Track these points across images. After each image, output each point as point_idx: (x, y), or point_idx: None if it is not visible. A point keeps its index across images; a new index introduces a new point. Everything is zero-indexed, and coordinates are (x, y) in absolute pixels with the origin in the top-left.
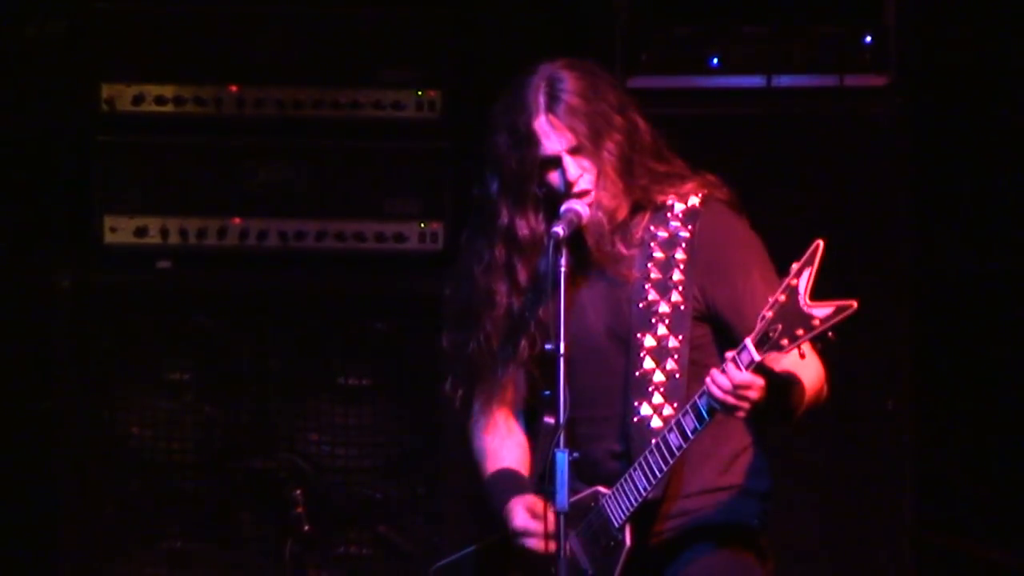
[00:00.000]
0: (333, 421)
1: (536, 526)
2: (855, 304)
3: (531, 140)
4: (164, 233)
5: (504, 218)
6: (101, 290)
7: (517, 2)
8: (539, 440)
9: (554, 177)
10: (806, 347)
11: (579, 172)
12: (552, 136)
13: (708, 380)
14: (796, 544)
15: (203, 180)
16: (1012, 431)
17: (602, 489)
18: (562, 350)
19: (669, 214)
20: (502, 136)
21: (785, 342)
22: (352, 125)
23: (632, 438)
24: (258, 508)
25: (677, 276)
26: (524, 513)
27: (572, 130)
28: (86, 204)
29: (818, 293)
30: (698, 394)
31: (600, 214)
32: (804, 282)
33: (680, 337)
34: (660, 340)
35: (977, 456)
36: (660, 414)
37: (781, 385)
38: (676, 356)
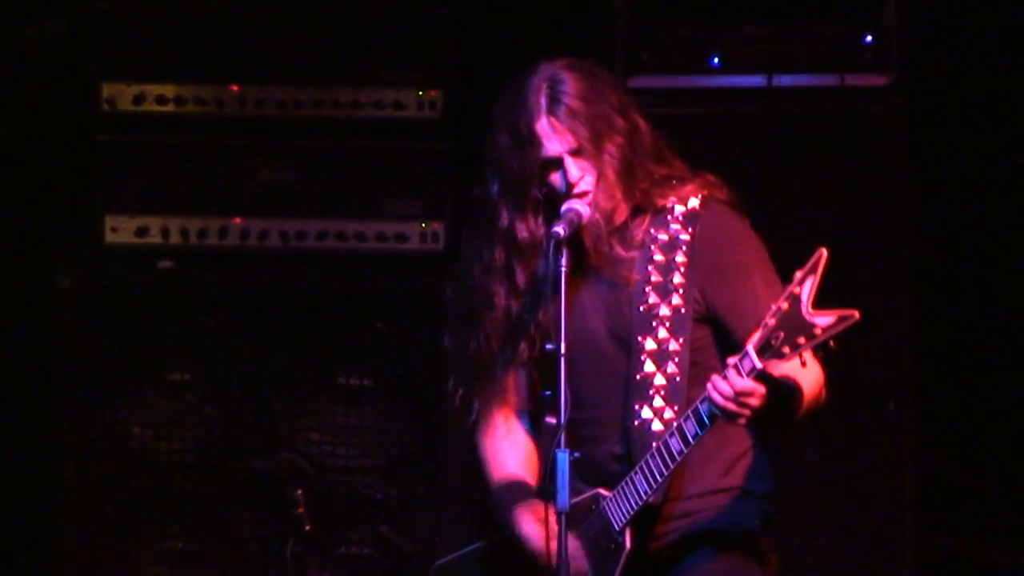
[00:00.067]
0: (334, 421)
1: (542, 536)
2: (857, 314)
3: (532, 142)
4: (165, 233)
5: (504, 220)
6: (102, 290)
7: (518, 2)
8: (541, 440)
9: (555, 178)
10: (807, 354)
11: (580, 174)
12: (553, 138)
13: (709, 386)
14: (797, 544)
15: (204, 180)
16: (1013, 431)
17: (603, 492)
18: (563, 350)
19: (669, 216)
20: (503, 137)
21: (787, 350)
22: (353, 125)
23: (633, 441)
24: (259, 508)
25: (678, 279)
26: (531, 523)
27: (573, 132)
28: (87, 204)
29: (819, 292)
30: (699, 399)
31: (598, 216)
32: (807, 290)
33: (681, 340)
34: (661, 343)
35: (978, 456)
36: (661, 417)
37: (781, 392)
38: (677, 359)
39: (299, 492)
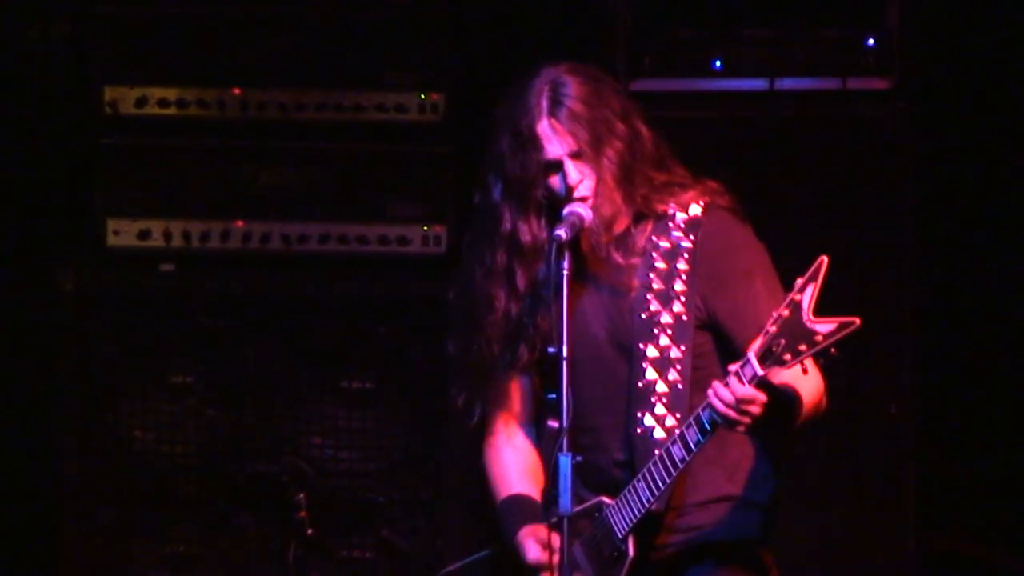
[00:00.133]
0: (336, 424)
1: (544, 558)
2: (858, 321)
3: (534, 143)
4: (167, 236)
5: (507, 223)
6: (104, 293)
7: (520, 5)
8: (544, 445)
9: (555, 181)
10: (808, 361)
11: (579, 177)
12: (554, 140)
13: (711, 393)
14: (800, 547)
15: (206, 183)
16: (1015, 433)
17: (606, 499)
18: (565, 353)
19: (671, 223)
20: (505, 140)
21: (788, 357)
22: (355, 128)
23: (635, 448)
24: (261, 511)
25: (679, 286)
26: (536, 547)
27: (573, 135)
28: (89, 207)
29: (821, 296)
30: (701, 407)
31: (598, 220)
32: (808, 297)
33: (683, 347)
34: (663, 350)
35: (980, 458)
36: (663, 425)
37: (781, 400)
38: (679, 367)
39: (301, 495)
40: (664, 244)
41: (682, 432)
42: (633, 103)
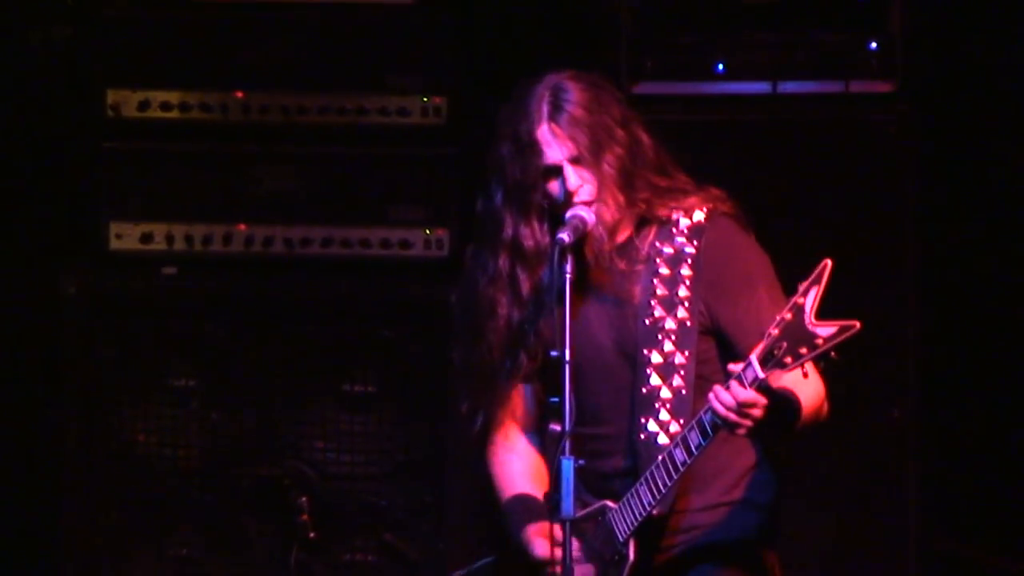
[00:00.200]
0: (338, 428)
1: (554, 555)
2: (858, 324)
3: (533, 148)
4: (169, 239)
5: (508, 228)
6: (106, 296)
7: (522, 7)
8: (547, 449)
9: (555, 187)
10: (809, 365)
11: (579, 182)
12: (554, 145)
13: (712, 396)
14: (802, 551)
15: (208, 186)
16: (1018, 438)
17: (609, 503)
18: (567, 356)
19: (674, 230)
20: (506, 145)
21: (789, 360)
22: (357, 131)
23: (639, 454)
24: (263, 515)
25: (683, 292)
26: (543, 543)
27: (573, 140)
28: (91, 210)
29: (824, 299)
30: (703, 410)
31: (600, 226)
32: (810, 301)
33: (686, 353)
34: (667, 357)
35: (983, 463)
36: (667, 431)
37: (780, 404)
38: (683, 372)
39: (303, 499)
40: (667, 250)
41: (684, 435)
42: (634, 112)
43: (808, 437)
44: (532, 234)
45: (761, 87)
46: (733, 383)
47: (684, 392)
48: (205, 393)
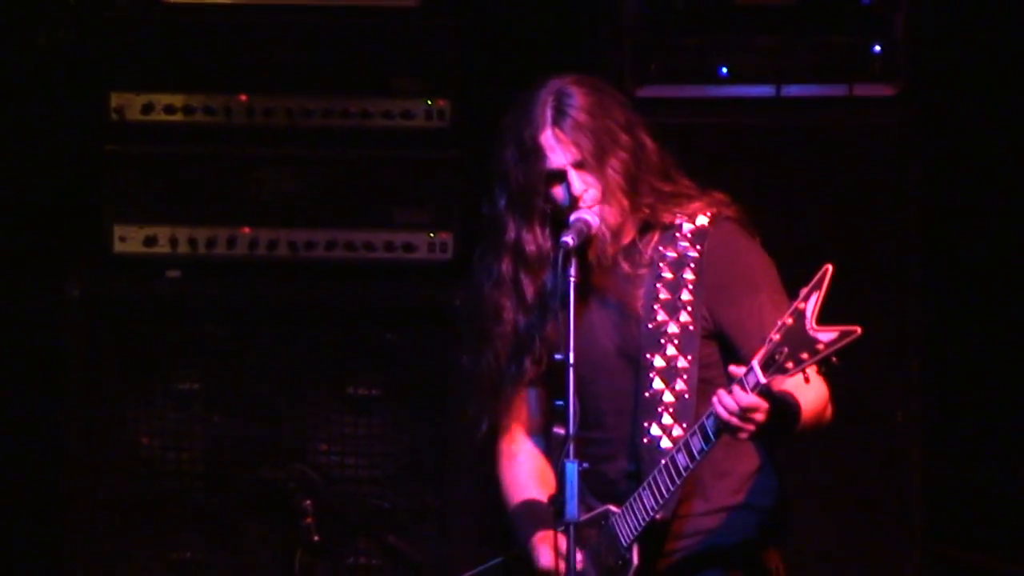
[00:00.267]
0: (342, 431)
1: (559, 566)
2: (859, 330)
3: (537, 153)
4: (173, 242)
5: (511, 233)
6: (110, 299)
7: (526, 11)
8: (552, 453)
9: (559, 191)
10: (810, 370)
11: (583, 187)
12: (557, 150)
13: (715, 401)
14: (806, 556)
15: (213, 189)
16: (1022, 443)
17: (612, 508)
18: (571, 359)
19: (678, 234)
20: (510, 150)
21: (790, 365)
22: (361, 134)
23: (642, 459)
24: (267, 518)
25: (686, 296)
26: (548, 552)
27: (577, 145)
28: (95, 213)
29: (827, 304)
30: (705, 415)
31: (604, 229)
32: (811, 306)
33: (689, 357)
34: (669, 360)
35: (987, 468)
36: (669, 435)
37: (780, 407)
38: (686, 376)
39: (307, 502)
40: (671, 254)
41: (686, 440)
42: (638, 116)
43: (812, 441)
44: (535, 239)
45: (765, 90)
46: (735, 388)
47: (687, 396)
48: (209, 396)
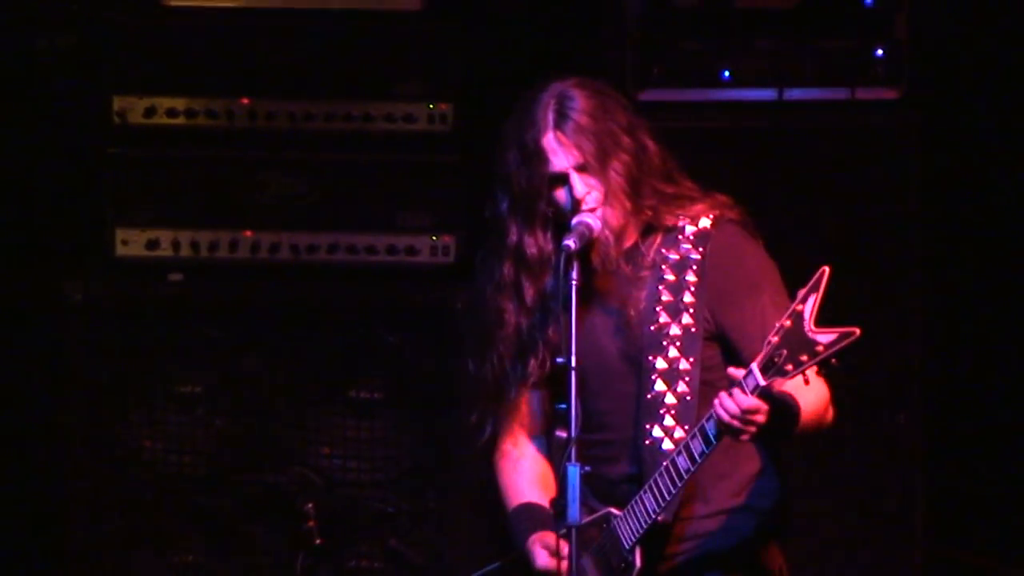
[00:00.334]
0: (344, 434)
1: (556, 566)
2: (858, 331)
3: (539, 156)
4: (176, 246)
5: (513, 236)
6: (113, 303)
7: (528, 15)
8: (554, 455)
9: (561, 195)
10: (810, 372)
11: (586, 189)
12: (560, 153)
13: (716, 403)
14: (807, 557)
15: (215, 192)
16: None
17: (614, 511)
18: (573, 363)
19: (680, 236)
20: (512, 153)
21: (790, 367)
22: (364, 138)
23: (644, 461)
24: (269, 521)
25: (688, 298)
26: (544, 554)
27: (579, 148)
28: (97, 217)
29: (830, 307)
30: (705, 418)
31: (607, 232)
32: (809, 308)
33: (691, 359)
34: (671, 362)
35: (989, 470)
36: (671, 437)
37: (780, 409)
38: (687, 378)
39: (310, 505)
40: (673, 256)
41: (687, 443)
42: (640, 117)
43: (814, 443)
44: (536, 242)
45: (767, 94)
46: (735, 390)
47: (689, 398)
48: (211, 399)
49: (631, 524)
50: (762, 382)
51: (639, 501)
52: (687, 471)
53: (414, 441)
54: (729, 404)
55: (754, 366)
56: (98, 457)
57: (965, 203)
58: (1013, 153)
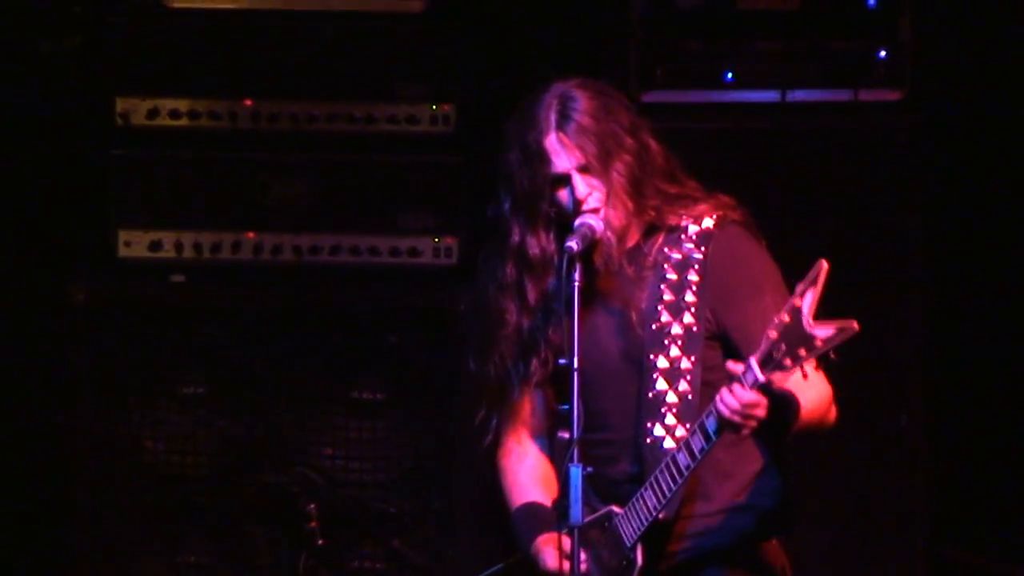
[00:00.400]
0: (347, 435)
1: (566, 567)
2: (856, 325)
3: (542, 157)
4: (178, 247)
5: (515, 236)
6: (115, 304)
7: (531, 16)
8: (556, 456)
9: (563, 195)
10: (810, 368)
11: (588, 190)
12: (562, 154)
13: (717, 399)
14: (810, 558)
15: (217, 194)
16: None
17: (615, 509)
18: (576, 364)
19: (683, 236)
20: (514, 153)
21: (788, 362)
22: (366, 139)
23: (645, 459)
24: (272, 522)
25: (690, 298)
26: (553, 555)
27: (581, 149)
28: (100, 218)
29: (831, 308)
30: (705, 413)
31: (609, 233)
32: (808, 302)
33: (693, 358)
34: (673, 362)
35: (992, 471)
36: (673, 435)
37: (779, 403)
38: (689, 377)
39: (312, 506)
40: (675, 256)
41: (687, 439)
42: (642, 118)
43: (816, 443)
44: (538, 242)
45: (770, 96)
46: (735, 386)
47: (690, 397)
48: (213, 400)
49: (632, 522)
50: (761, 377)
51: (640, 499)
52: (687, 467)
53: (416, 442)
54: (729, 399)
55: (752, 361)
56: (100, 458)
57: (967, 204)
58: (1015, 154)
